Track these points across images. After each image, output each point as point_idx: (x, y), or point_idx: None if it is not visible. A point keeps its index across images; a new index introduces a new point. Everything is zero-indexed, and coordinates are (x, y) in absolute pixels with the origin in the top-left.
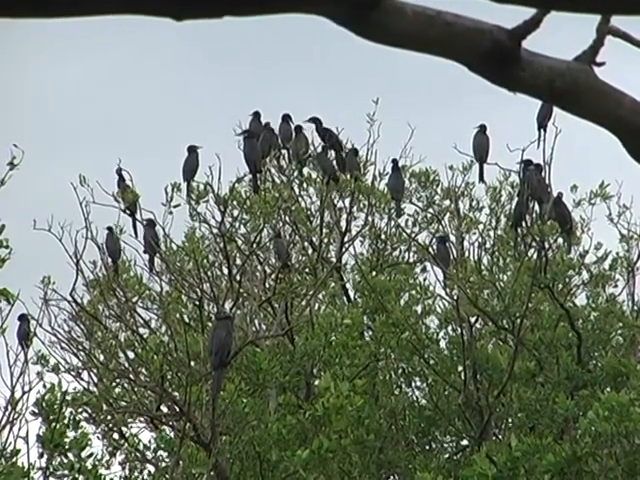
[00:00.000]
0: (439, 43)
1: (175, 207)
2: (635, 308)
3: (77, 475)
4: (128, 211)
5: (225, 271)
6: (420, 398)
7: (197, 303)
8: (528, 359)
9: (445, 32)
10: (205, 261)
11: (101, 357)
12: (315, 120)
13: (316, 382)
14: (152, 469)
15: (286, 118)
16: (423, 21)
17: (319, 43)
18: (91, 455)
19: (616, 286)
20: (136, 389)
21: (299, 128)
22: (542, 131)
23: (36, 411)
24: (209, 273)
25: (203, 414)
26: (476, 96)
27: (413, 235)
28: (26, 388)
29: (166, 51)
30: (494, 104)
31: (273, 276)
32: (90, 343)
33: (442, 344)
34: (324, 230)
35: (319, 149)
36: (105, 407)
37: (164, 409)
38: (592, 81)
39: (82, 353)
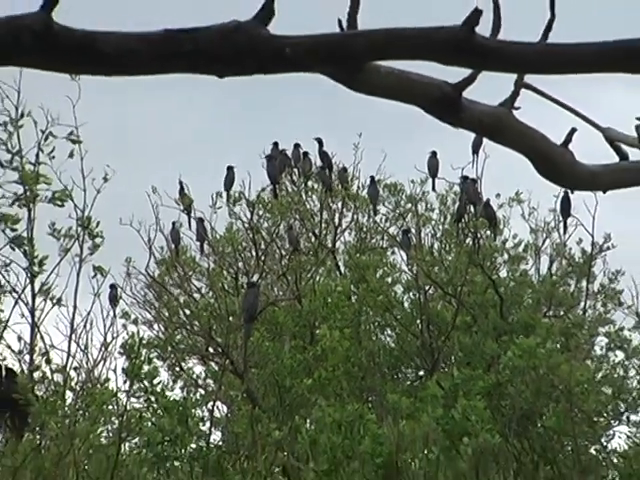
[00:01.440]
0: (403, 93)
1: (218, 209)
2: (540, 279)
3: (150, 396)
4: (185, 211)
5: (253, 253)
6: (390, 342)
7: (234, 276)
8: (466, 315)
9: (408, 85)
10: (239, 246)
11: (166, 313)
12: (319, 140)
13: (317, 331)
14: (202, 392)
15: (297, 146)
16: (392, 78)
17: (321, 93)
18: (160, 382)
19: (527, 264)
20: (191, 336)
21: (306, 153)
22: (475, 155)
23: (121, 351)
24: (242, 255)
25: (238, 353)
26: (431, 129)
27: (385, 228)
28: (115, 335)
29: (212, 95)
30: (443, 135)
31: (287, 257)
32: (159, 303)
33: (406, 305)
34: (323, 224)
35: (319, 168)
36: (169, 348)
37: (210, 350)
38: (511, 120)
39: (153, 311)
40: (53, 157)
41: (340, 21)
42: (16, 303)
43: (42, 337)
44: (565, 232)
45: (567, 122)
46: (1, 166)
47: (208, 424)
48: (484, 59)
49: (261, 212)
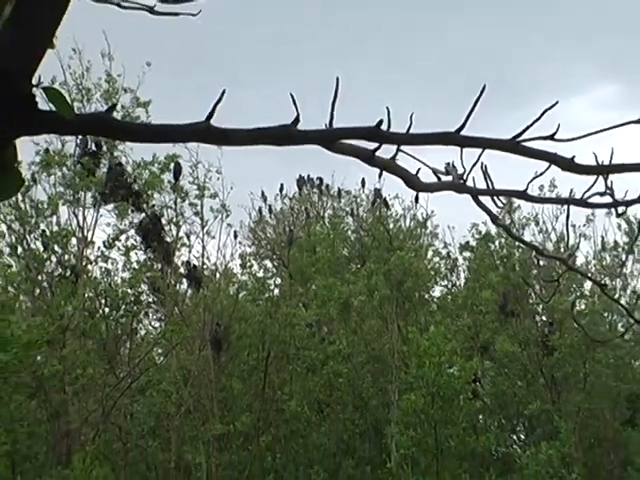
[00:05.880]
0: (352, 153)
1: (277, 202)
2: (406, 229)
3: (250, 275)
4: (264, 202)
5: (292, 220)
6: (346, 254)
7: (284, 229)
8: (376, 243)
9: (354, 150)
10: (287, 216)
11: (256, 242)
12: (320, 179)
13: (317, 250)
14: (270, 273)
15: (309, 176)
16: (348, 147)
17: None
18: (253, 269)
19: (400, 223)
20: (266, 251)
21: (312, 179)
22: (379, 178)
23: (239, 258)
24: (287, 220)
25: (285, 257)
26: (363, 168)
27: (344, 209)
28: (236, 251)
29: (269, 163)
30: (368, 170)
31: (305, 221)
32: (254, 239)
33: (352, 239)
34: (319, 208)
35: (318, 184)
36: (258, 257)
37: (274, 256)
38: (391, 163)
39: (251, 242)
40: (208, 188)
41: (326, 124)
42: (196, 238)
43: (206, 252)
44: (416, 208)
45: (417, 165)
46: (190, 193)
47: (273, 285)
48: (380, 139)
49: (295, 204)
